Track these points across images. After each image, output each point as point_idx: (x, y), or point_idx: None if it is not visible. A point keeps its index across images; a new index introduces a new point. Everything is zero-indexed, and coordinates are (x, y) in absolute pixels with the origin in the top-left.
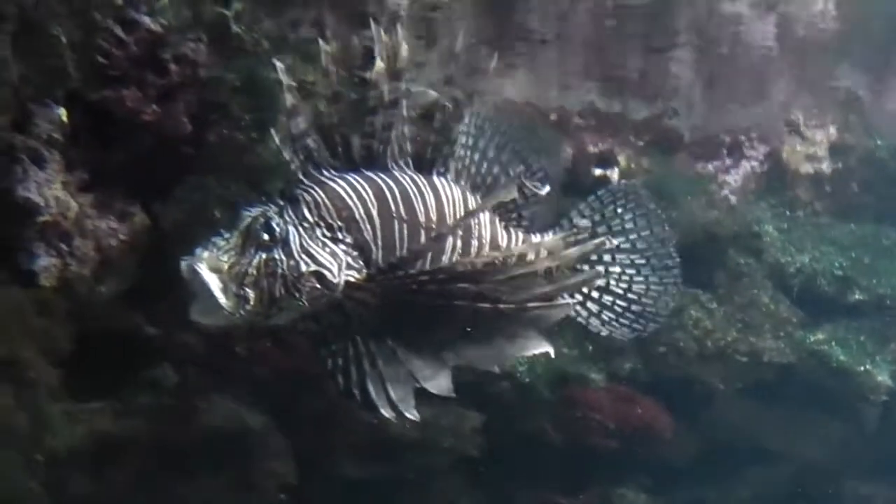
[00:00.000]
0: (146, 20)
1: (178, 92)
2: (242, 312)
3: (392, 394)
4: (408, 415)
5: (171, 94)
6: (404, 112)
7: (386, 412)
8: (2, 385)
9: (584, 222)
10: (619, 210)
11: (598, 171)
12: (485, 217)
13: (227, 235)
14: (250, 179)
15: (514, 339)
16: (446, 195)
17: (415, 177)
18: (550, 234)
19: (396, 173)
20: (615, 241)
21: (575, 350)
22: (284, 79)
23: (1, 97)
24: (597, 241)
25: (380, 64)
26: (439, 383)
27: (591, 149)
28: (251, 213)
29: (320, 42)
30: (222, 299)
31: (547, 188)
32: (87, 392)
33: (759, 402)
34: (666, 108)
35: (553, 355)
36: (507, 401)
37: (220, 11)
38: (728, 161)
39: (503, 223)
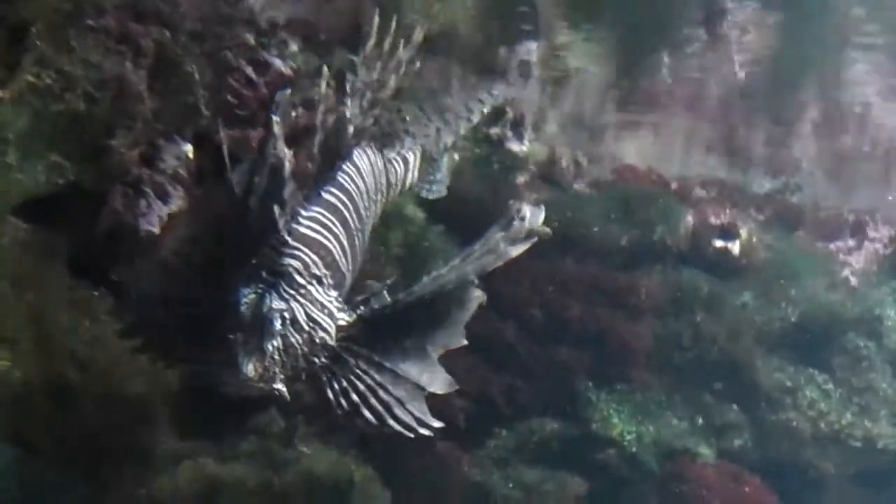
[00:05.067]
0: (277, 63)
1: (304, 136)
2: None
3: (415, 412)
4: (436, 424)
5: (295, 138)
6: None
7: (426, 431)
8: (113, 421)
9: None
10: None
11: (719, 243)
12: (379, 165)
13: (241, 338)
14: (372, 230)
15: (463, 305)
16: (366, 167)
17: (349, 168)
18: (416, 150)
19: (340, 175)
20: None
21: (684, 423)
22: (280, 146)
23: (134, 131)
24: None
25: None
26: (439, 381)
27: (713, 220)
28: (248, 301)
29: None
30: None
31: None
32: (194, 433)
33: (872, 490)
34: (789, 183)
35: (485, 300)
36: (613, 470)
37: (350, 58)
38: (851, 241)
39: (385, 159)
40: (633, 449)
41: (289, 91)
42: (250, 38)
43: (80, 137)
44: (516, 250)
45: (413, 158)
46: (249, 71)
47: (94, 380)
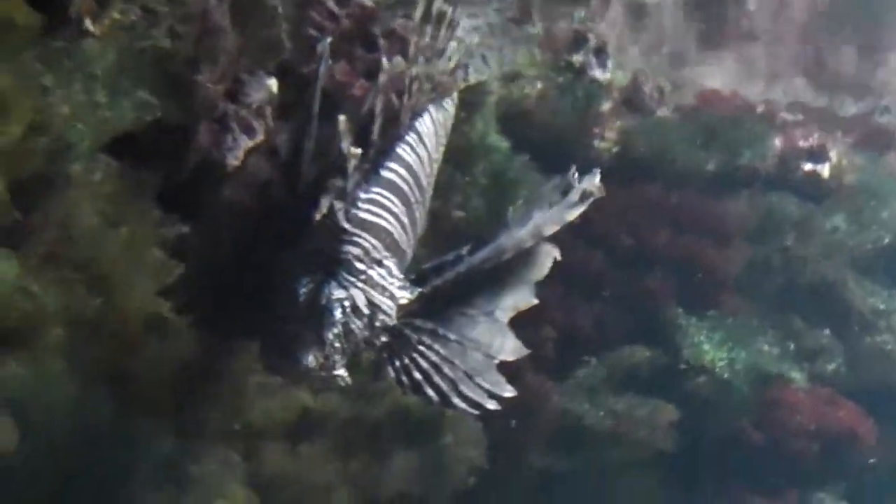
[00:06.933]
0: None
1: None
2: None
3: (484, 384)
4: (507, 394)
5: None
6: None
7: (492, 405)
8: (206, 354)
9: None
10: None
11: (808, 167)
12: (439, 119)
13: (301, 328)
14: (457, 160)
15: (533, 263)
16: (428, 130)
17: (410, 137)
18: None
19: (400, 147)
20: None
21: (776, 349)
22: (346, 142)
23: (218, 67)
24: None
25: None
26: (511, 347)
27: (802, 144)
28: (307, 290)
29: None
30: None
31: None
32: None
33: None
34: (877, 105)
35: (559, 256)
36: (705, 397)
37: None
38: None
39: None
40: (725, 375)
41: (329, 40)
42: None
43: (166, 74)
44: (573, 214)
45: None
46: (331, 3)
47: (186, 314)
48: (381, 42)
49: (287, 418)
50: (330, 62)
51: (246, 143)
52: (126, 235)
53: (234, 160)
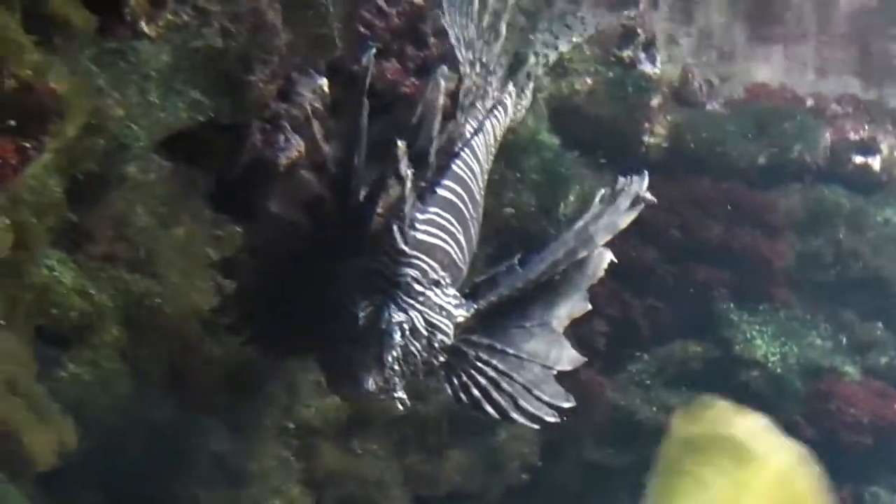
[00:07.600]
0: None
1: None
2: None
3: (543, 396)
4: (567, 405)
5: (428, 68)
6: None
7: (551, 418)
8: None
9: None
10: None
11: (858, 159)
12: (489, 130)
13: (360, 351)
14: (507, 157)
15: (587, 269)
16: (480, 143)
17: (465, 154)
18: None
19: (456, 164)
20: None
21: (829, 342)
22: (402, 164)
23: (270, 66)
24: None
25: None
26: (568, 356)
27: (852, 136)
28: (366, 314)
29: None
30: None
31: None
32: None
33: None
34: None
35: (615, 259)
36: (757, 390)
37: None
38: None
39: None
40: (778, 370)
41: (374, 50)
42: None
43: (218, 73)
44: (626, 220)
45: (510, 101)
46: (381, 1)
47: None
48: (432, 40)
49: (341, 416)
50: (373, 71)
51: (298, 143)
52: (181, 235)
53: (285, 160)
